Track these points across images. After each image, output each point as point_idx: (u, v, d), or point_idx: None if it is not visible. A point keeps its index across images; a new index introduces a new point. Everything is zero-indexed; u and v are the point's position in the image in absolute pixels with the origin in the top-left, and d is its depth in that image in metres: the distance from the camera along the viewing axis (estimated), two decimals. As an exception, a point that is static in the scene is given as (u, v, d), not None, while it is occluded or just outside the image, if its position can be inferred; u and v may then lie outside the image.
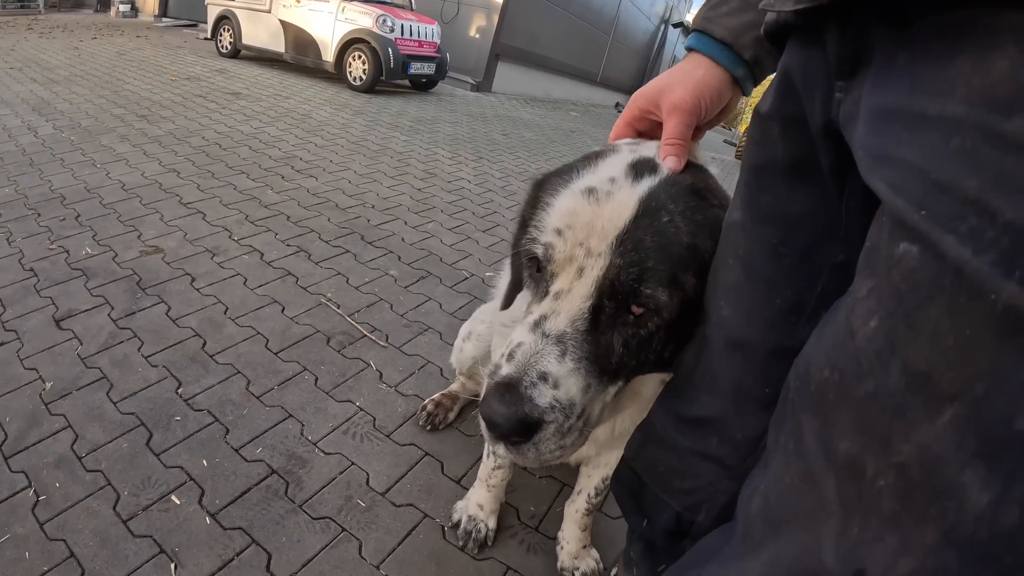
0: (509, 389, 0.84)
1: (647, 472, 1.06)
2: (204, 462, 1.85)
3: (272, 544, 1.63)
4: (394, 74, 9.26)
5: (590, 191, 0.89)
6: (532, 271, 0.97)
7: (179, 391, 2.12)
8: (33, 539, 1.55)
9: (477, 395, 2.17)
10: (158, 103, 6.25)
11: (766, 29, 0.81)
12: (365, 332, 2.64)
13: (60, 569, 1.49)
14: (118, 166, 4.18)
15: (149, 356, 2.27)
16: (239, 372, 2.26)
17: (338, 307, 2.81)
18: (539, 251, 0.91)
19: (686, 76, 1.03)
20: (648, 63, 24.14)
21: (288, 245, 3.36)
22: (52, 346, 2.25)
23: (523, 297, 1.07)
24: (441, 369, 2.49)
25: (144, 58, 9.31)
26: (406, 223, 4.01)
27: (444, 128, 7.68)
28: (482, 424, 0.89)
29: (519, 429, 0.84)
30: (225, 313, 2.61)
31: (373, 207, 4.19)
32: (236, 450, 1.91)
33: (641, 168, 0.91)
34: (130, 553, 1.55)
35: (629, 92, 21.71)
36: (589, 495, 1.60)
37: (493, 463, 1.66)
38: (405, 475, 1.93)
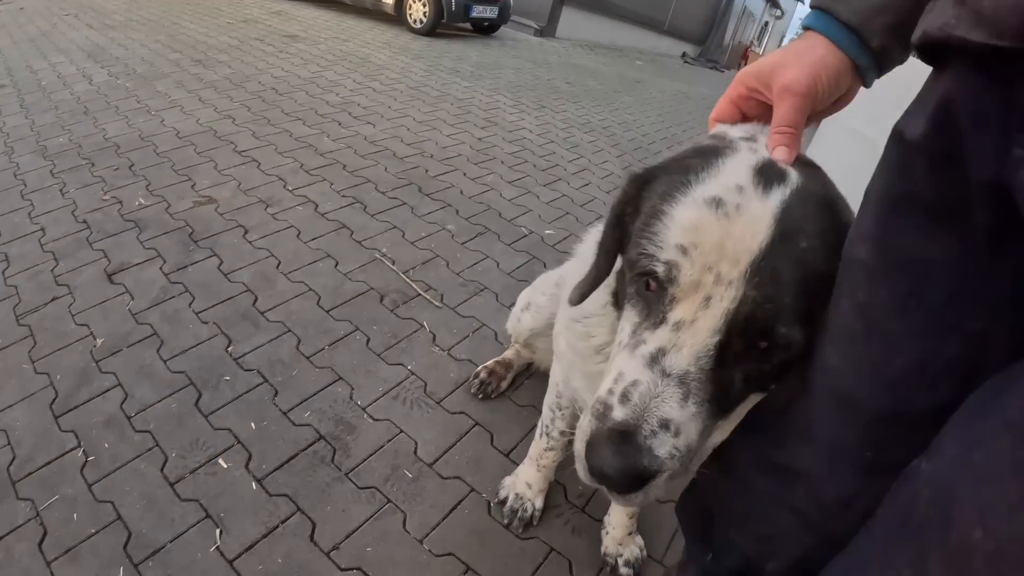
0: (625, 438, 0.73)
1: (719, 507, 0.99)
2: (252, 424, 1.81)
3: (317, 513, 1.59)
4: (455, 17, 9.07)
5: (717, 202, 0.75)
6: (640, 287, 0.83)
7: (229, 349, 2.08)
8: (81, 500, 1.55)
9: (531, 363, 2.09)
10: (214, 47, 6.22)
11: (924, 40, 0.63)
12: (420, 291, 2.56)
13: (107, 531, 1.48)
14: (173, 113, 4.17)
15: (200, 312, 2.24)
16: (289, 331, 2.21)
17: (393, 263, 2.72)
18: (660, 270, 0.77)
19: (801, 55, 0.87)
20: (717, 15, 23.11)
21: (343, 196, 3.29)
22: (103, 301, 2.24)
23: (622, 314, 0.92)
24: (496, 333, 2.39)
25: (200, 1, 9.28)
26: (465, 174, 3.89)
27: (506, 74, 7.46)
28: (583, 467, 0.78)
29: (633, 483, 0.74)
30: (277, 267, 2.56)
31: (432, 157, 4.07)
32: (284, 413, 1.86)
33: (769, 175, 0.77)
34: (176, 516, 1.54)
35: (696, 42, 20.95)
36: None
37: (545, 444, 1.58)
38: (454, 445, 1.86)
